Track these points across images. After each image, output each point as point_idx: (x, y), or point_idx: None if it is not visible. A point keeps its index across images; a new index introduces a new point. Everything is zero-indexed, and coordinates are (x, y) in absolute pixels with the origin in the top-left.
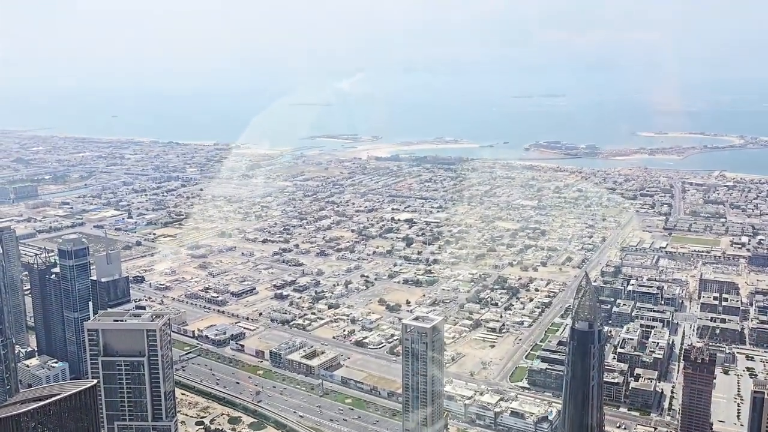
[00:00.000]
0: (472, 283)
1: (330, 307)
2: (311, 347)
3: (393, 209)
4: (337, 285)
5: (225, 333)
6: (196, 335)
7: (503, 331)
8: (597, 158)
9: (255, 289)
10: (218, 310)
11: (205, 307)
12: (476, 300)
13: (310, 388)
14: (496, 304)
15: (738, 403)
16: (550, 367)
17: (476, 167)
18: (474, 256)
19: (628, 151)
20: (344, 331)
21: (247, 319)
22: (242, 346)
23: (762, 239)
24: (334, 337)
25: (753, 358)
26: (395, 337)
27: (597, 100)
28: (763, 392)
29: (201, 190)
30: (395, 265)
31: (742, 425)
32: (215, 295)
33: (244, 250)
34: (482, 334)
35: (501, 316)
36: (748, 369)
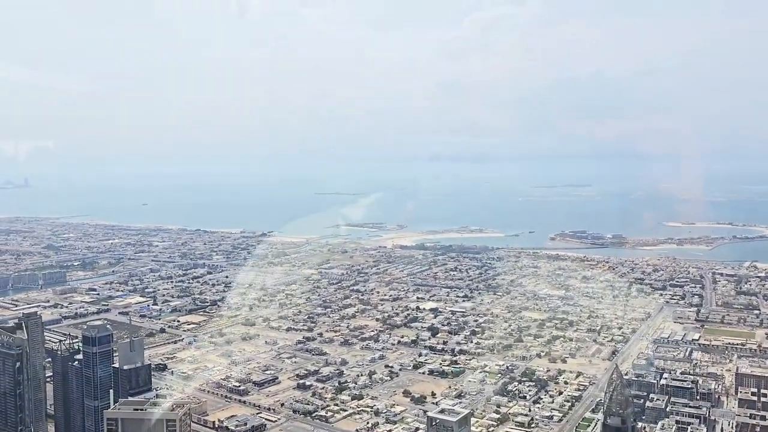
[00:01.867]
0: (499, 375)
1: (353, 398)
2: None
3: (418, 298)
4: (361, 375)
5: (246, 424)
6: (216, 426)
7: (532, 425)
8: (624, 248)
9: (277, 378)
10: (239, 400)
11: (226, 396)
12: (503, 393)
13: None
14: (525, 397)
15: None
16: None
17: (501, 256)
18: (501, 347)
19: (656, 241)
20: (368, 423)
21: (269, 409)
22: None
23: None
24: (357, 430)
25: None
26: (420, 431)
27: (622, 189)
28: None
29: (227, 277)
30: (420, 355)
31: None
32: (237, 384)
33: (268, 339)
34: (510, 429)
35: (529, 410)
36: None
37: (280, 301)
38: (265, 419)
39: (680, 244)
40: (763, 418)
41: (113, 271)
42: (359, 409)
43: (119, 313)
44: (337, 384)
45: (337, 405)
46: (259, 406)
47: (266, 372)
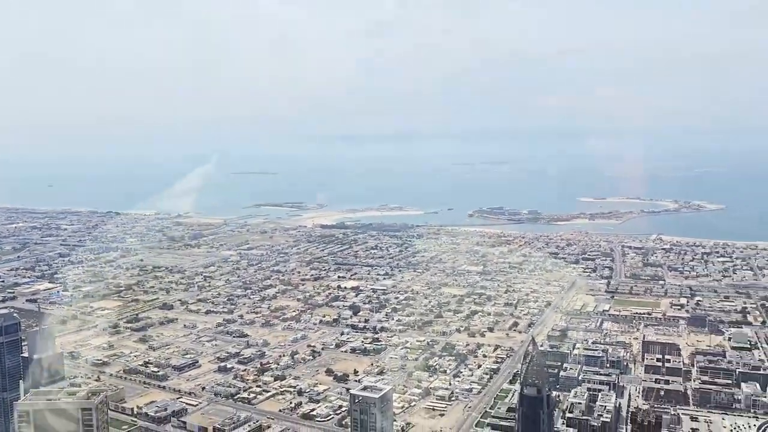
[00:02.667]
0: (420, 351)
1: (276, 378)
2: (257, 422)
3: (339, 277)
4: (283, 356)
5: (166, 409)
6: (135, 413)
7: (452, 399)
8: (539, 223)
9: (198, 362)
10: (159, 386)
11: (144, 382)
12: (425, 368)
13: None
14: (445, 372)
15: None
16: None
17: (421, 233)
18: (421, 323)
19: (569, 216)
20: (291, 403)
21: (190, 393)
22: (184, 423)
23: (699, 300)
24: (280, 410)
25: (697, 418)
26: (343, 408)
27: (538, 166)
28: None
29: (141, 260)
30: (342, 333)
31: None
32: (155, 369)
33: (186, 322)
34: (432, 403)
35: (450, 384)
36: (693, 430)
37: (198, 284)
38: (186, 404)
39: (592, 218)
40: (666, 382)
41: (18, 257)
42: (282, 390)
43: (27, 300)
44: (259, 365)
45: (259, 386)
46: (179, 391)
47: (186, 356)
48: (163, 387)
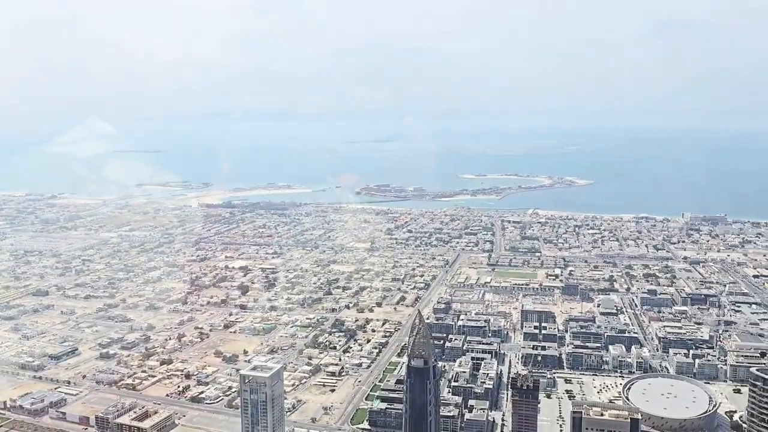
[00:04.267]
0: (310, 328)
1: (162, 363)
2: (143, 408)
3: (227, 257)
4: (170, 339)
5: (43, 401)
6: (8, 406)
7: (343, 374)
8: (424, 200)
9: (77, 349)
10: (34, 376)
11: (17, 373)
12: (315, 345)
13: None
14: (335, 348)
15: (560, 424)
16: (389, 406)
17: (310, 212)
18: (311, 301)
19: (452, 192)
20: (179, 387)
21: (69, 383)
22: (63, 413)
23: (572, 270)
24: (167, 395)
25: (570, 380)
26: (233, 390)
27: (423, 145)
28: (580, 412)
29: (12, 245)
30: (231, 314)
31: None
32: (30, 359)
33: (64, 308)
34: (322, 379)
35: (340, 359)
36: (567, 391)
37: (76, 268)
38: (66, 393)
39: (474, 194)
40: (543, 348)
41: None
42: (169, 374)
43: None
44: (143, 350)
45: (144, 372)
46: (57, 381)
47: (64, 344)
48: (39, 378)
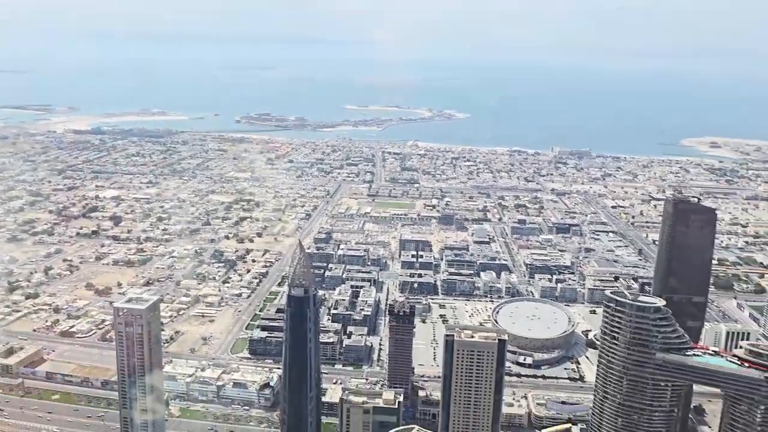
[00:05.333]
0: (188, 259)
1: (28, 297)
2: (7, 344)
3: (97, 186)
4: (35, 272)
5: None
6: None
7: (222, 304)
8: (306, 130)
9: None
10: None
11: None
12: (193, 276)
13: (9, 389)
14: (214, 278)
15: (434, 347)
16: (270, 335)
17: (186, 140)
18: (189, 231)
19: (334, 123)
20: (47, 322)
21: None
22: None
23: (448, 201)
24: (35, 330)
25: (444, 306)
26: (107, 323)
27: (305, 73)
28: (453, 335)
29: None
30: (103, 246)
31: (438, 365)
32: None
33: None
34: (201, 310)
35: (219, 290)
36: (441, 316)
37: None
38: None
39: (355, 125)
40: (420, 275)
41: None
42: (36, 309)
43: None
44: (6, 284)
45: (8, 307)
46: None
47: None
48: None
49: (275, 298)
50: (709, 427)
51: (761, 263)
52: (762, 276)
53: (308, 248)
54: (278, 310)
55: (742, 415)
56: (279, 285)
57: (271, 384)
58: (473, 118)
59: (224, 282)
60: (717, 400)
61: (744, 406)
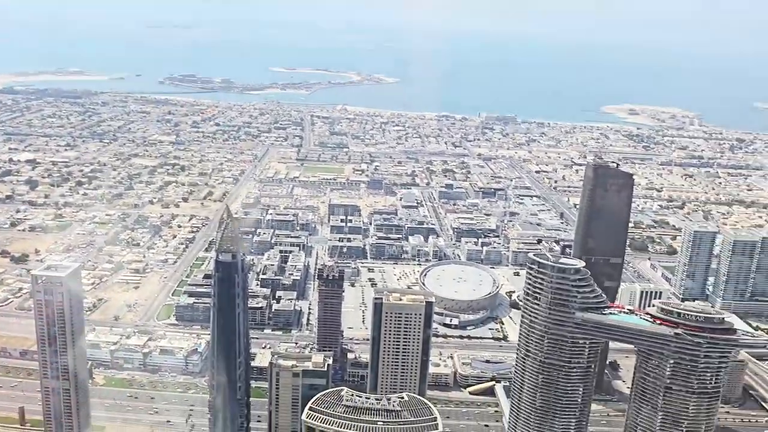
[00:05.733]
0: (111, 225)
1: None
2: None
3: (10, 149)
4: None
5: None
6: None
7: (147, 270)
8: (232, 92)
9: None
10: None
11: None
12: (116, 242)
13: None
14: (138, 244)
15: (363, 310)
16: (197, 301)
17: (107, 101)
18: (111, 196)
19: (262, 85)
20: None
21: None
22: None
23: (377, 165)
24: None
25: (373, 269)
26: (25, 291)
27: (228, 32)
28: (381, 298)
29: None
30: (18, 211)
31: (367, 328)
32: None
33: None
34: (125, 277)
35: (144, 257)
36: (370, 280)
37: None
38: None
39: (283, 88)
40: (349, 240)
41: None
42: None
43: None
44: None
45: None
46: None
47: None
48: None
49: (202, 264)
50: (623, 381)
51: (674, 226)
52: (674, 238)
53: (236, 213)
54: (206, 276)
55: (653, 368)
56: (206, 251)
57: (199, 350)
58: (402, 82)
59: (149, 248)
60: (631, 356)
61: (655, 360)
